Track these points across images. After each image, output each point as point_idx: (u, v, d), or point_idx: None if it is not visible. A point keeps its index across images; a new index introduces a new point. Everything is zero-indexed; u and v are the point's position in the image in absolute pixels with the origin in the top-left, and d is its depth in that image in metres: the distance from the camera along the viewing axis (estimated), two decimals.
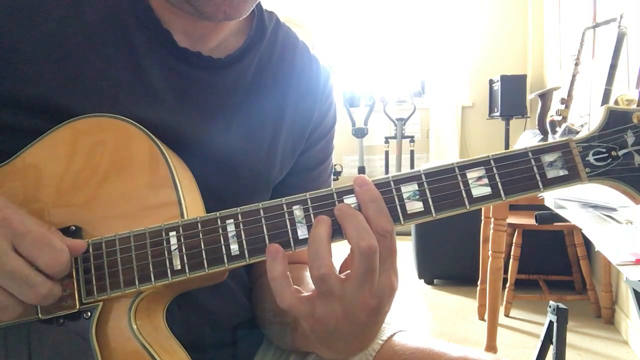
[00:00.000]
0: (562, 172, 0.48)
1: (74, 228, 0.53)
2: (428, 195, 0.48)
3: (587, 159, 0.48)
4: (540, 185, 0.48)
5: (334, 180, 4.11)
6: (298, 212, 0.50)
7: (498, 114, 3.95)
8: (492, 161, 0.48)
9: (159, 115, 0.60)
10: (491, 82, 4.14)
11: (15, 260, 0.46)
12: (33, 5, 0.57)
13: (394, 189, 0.49)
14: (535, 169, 0.48)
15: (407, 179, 0.49)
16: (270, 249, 0.48)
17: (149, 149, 0.55)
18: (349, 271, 0.47)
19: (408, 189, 0.49)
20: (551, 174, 0.48)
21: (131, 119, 0.56)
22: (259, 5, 0.69)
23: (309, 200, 0.50)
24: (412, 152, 4.40)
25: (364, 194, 0.48)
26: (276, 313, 0.66)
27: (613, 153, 0.48)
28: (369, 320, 0.49)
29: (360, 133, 4.45)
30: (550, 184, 0.48)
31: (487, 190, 0.48)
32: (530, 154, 0.48)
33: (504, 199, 0.48)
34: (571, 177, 0.48)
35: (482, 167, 0.48)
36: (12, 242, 0.46)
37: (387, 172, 4.41)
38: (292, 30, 0.75)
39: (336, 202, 0.49)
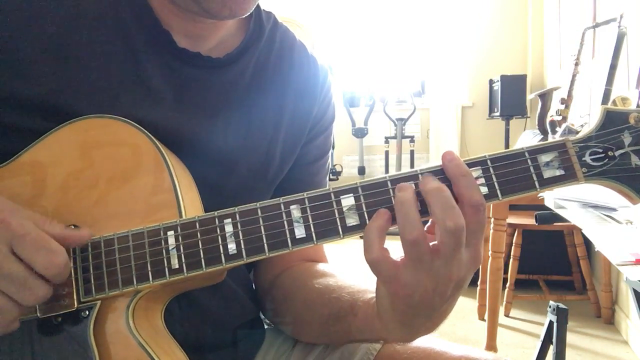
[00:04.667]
0: (558, 172, 0.48)
1: (73, 227, 0.53)
2: None
3: (583, 159, 0.48)
4: (537, 185, 0.48)
5: (334, 180, 4.11)
6: (296, 212, 0.50)
7: (498, 114, 3.95)
8: (488, 161, 0.49)
9: (158, 116, 0.60)
10: (491, 82, 4.14)
11: (14, 264, 0.46)
12: (34, 5, 0.57)
13: (390, 189, 0.49)
14: (532, 169, 0.48)
15: (404, 179, 0.49)
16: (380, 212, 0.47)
17: (148, 149, 0.55)
18: (435, 242, 0.46)
19: None
20: (548, 173, 0.48)
21: (131, 119, 0.56)
22: (257, 6, 0.69)
23: (306, 200, 0.50)
24: (412, 152, 4.40)
25: (455, 168, 0.47)
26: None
27: (610, 153, 0.48)
28: (452, 294, 0.48)
29: (360, 133, 4.45)
30: (547, 183, 0.48)
31: (484, 190, 0.48)
32: (527, 154, 0.49)
33: (500, 198, 0.48)
34: (568, 177, 0.48)
35: (479, 167, 0.49)
36: (10, 244, 0.46)
37: (387, 172, 4.40)
38: (289, 30, 0.75)
39: (333, 202, 0.49)
